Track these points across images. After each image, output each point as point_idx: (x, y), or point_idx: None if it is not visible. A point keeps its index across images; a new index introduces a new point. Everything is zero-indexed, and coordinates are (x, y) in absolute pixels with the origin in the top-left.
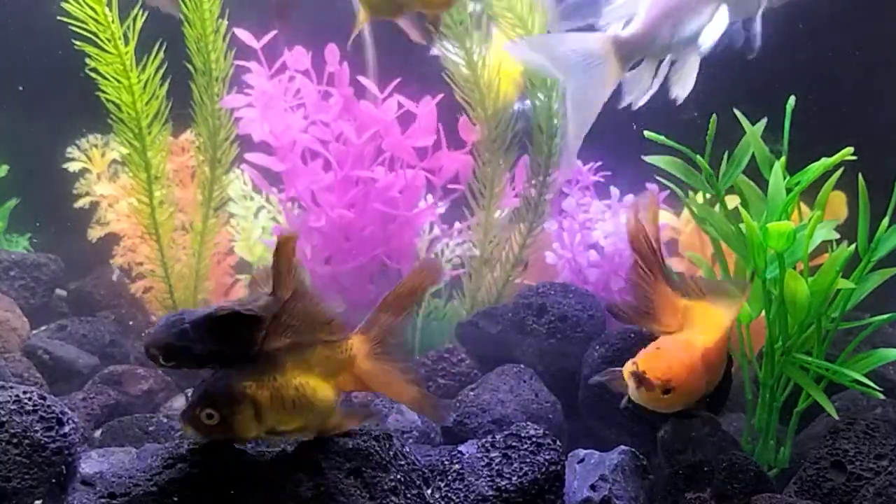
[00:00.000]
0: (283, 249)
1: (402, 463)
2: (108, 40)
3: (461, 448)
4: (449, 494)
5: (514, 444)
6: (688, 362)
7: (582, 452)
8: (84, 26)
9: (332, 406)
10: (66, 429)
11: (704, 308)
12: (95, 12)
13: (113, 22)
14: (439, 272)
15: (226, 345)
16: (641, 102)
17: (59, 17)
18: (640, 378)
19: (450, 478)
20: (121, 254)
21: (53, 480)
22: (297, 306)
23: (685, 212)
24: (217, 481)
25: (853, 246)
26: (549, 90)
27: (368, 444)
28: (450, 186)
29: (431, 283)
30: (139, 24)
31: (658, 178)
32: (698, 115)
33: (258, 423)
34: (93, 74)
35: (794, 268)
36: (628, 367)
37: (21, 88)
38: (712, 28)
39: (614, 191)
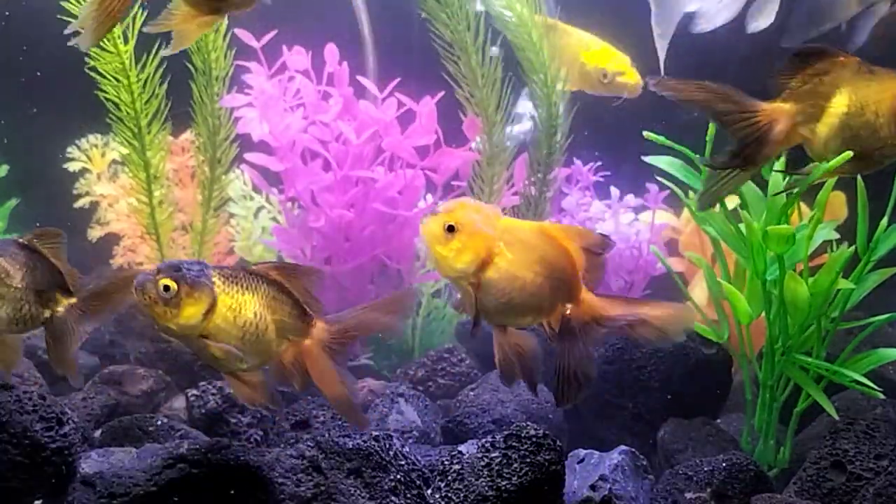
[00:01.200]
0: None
1: (402, 463)
2: (108, 39)
3: (461, 448)
4: (449, 494)
5: (514, 444)
6: (480, 210)
7: (582, 452)
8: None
9: (267, 357)
10: (66, 429)
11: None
12: None
13: None
14: (410, 306)
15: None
16: (710, 27)
17: (58, 16)
18: (429, 212)
19: (450, 478)
20: (121, 254)
21: (53, 480)
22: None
23: (685, 212)
24: (217, 481)
25: (853, 247)
26: (550, 89)
27: (368, 444)
28: (453, 184)
29: (403, 315)
30: (139, 22)
31: (658, 178)
32: (698, 115)
33: (202, 322)
34: (92, 73)
35: (795, 268)
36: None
37: (39, 74)
38: None
39: (614, 191)
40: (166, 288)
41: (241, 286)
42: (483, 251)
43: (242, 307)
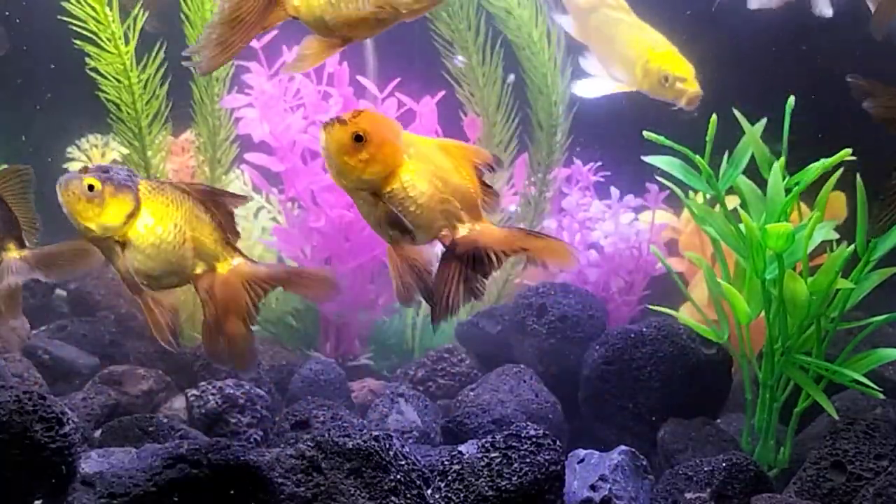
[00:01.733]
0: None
1: (402, 463)
2: (109, 39)
3: (461, 448)
4: (449, 495)
5: (514, 444)
6: (386, 121)
7: (582, 452)
8: (84, 25)
9: (180, 276)
10: (66, 429)
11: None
12: (95, 11)
13: (113, 21)
14: (333, 290)
15: None
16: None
17: (59, 17)
18: (334, 120)
19: (450, 478)
20: None
21: (53, 480)
22: None
23: (685, 212)
24: (217, 481)
25: (852, 246)
26: (550, 88)
27: (368, 444)
28: None
29: (323, 296)
30: (140, 23)
31: (658, 178)
32: (698, 115)
33: (122, 226)
34: (93, 74)
35: (794, 268)
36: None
37: (52, 66)
38: None
39: (614, 191)
40: (91, 187)
41: (166, 198)
42: (391, 162)
43: (163, 218)
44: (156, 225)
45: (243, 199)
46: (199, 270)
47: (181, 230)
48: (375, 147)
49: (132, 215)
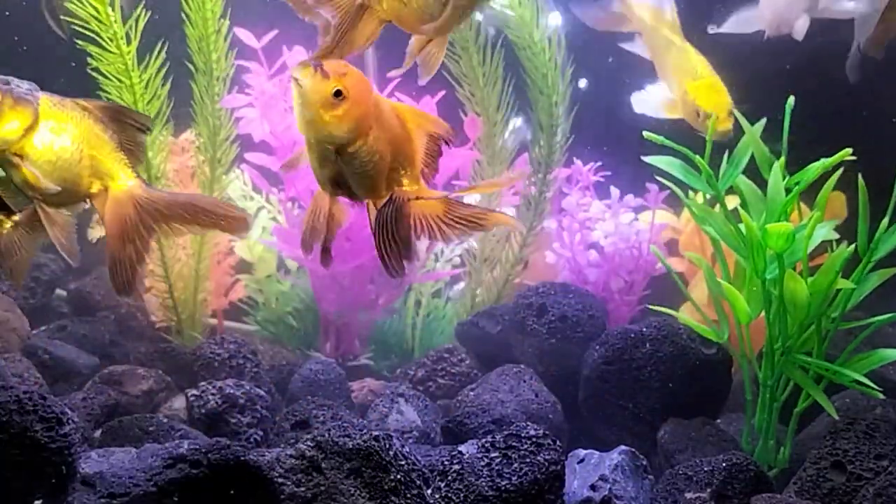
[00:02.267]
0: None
1: (402, 463)
2: (111, 40)
3: (461, 448)
4: (449, 494)
5: (514, 444)
6: (364, 81)
7: (582, 452)
8: (86, 25)
9: (75, 193)
10: (66, 429)
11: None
12: (98, 11)
13: (115, 21)
14: (243, 227)
15: None
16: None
17: (62, 17)
18: (314, 69)
19: (450, 478)
20: None
21: (53, 480)
22: None
23: (685, 212)
24: (217, 481)
25: (853, 246)
26: (550, 89)
27: (368, 444)
28: (453, 183)
29: (230, 231)
30: (141, 23)
31: (658, 178)
32: None
33: (18, 140)
34: (94, 74)
35: (794, 268)
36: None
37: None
38: None
39: (614, 191)
40: None
41: (66, 114)
42: (362, 123)
43: (62, 132)
44: (53, 140)
45: (146, 119)
46: (94, 189)
47: (78, 147)
48: (352, 104)
49: (30, 129)
